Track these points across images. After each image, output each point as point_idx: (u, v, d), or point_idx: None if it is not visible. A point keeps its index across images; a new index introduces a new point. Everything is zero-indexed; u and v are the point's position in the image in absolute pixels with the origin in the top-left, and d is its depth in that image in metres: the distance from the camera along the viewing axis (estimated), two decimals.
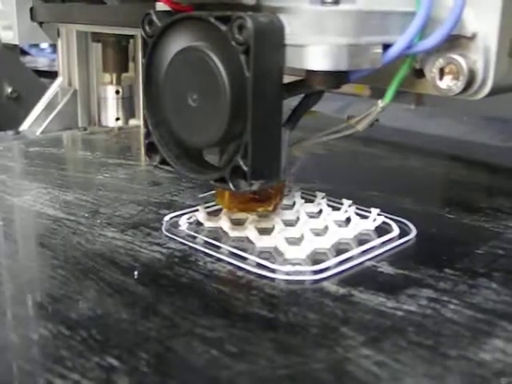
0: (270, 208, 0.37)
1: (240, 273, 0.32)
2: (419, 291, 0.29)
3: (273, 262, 0.32)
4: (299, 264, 0.32)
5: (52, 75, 0.82)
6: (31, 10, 0.65)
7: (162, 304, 0.28)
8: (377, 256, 0.34)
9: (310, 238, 0.34)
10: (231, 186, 0.30)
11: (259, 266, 0.32)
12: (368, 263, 0.33)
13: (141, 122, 0.74)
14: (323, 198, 0.41)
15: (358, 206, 0.39)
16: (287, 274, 0.31)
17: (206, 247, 0.34)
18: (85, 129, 0.71)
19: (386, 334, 0.26)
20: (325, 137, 0.36)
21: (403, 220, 0.38)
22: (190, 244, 0.35)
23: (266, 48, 0.28)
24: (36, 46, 1.49)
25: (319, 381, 0.23)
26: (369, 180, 0.50)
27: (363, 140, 0.59)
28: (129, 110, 0.76)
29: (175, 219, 0.39)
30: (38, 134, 0.69)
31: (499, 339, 0.25)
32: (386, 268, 0.32)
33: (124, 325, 0.27)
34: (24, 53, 1.37)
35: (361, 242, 0.35)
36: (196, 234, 0.36)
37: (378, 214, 0.38)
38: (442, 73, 0.30)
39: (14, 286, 0.31)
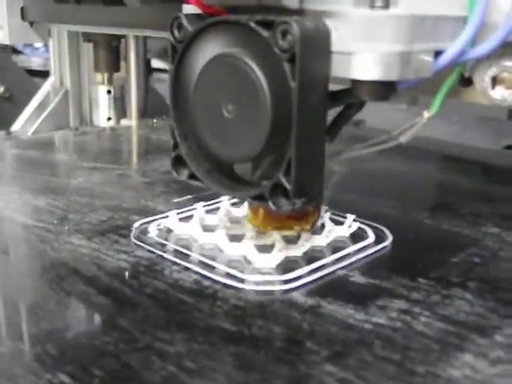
0: (308, 226, 0.35)
1: (207, 283, 0.31)
2: (390, 302, 0.28)
3: (242, 272, 0.31)
4: (269, 273, 0.31)
5: (46, 74, 0.81)
6: (22, 9, 0.64)
7: (123, 316, 0.27)
8: (350, 264, 0.33)
9: (282, 245, 0.33)
10: (271, 204, 0.28)
11: (228, 275, 0.31)
12: (340, 272, 0.32)
13: (133, 122, 0.74)
14: None
15: (333, 212, 0.38)
16: (256, 283, 0.30)
17: (174, 255, 0.33)
18: (76, 129, 0.70)
19: (351, 348, 0.25)
20: (364, 149, 0.34)
21: (380, 226, 0.37)
22: (158, 252, 0.34)
23: (312, 55, 0.26)
24: (29, 45, 1.47)
25: None
26: (348, 183, 0.49)
27: (347, 141, 0.58)
28: (120, 110, 0.75)
29: (145, 226, 0.38)
30: (29, 134, 0.68)
31: (469, 354, 0.24)
32: (358, 277, 0.31)
33: (81, 339, 0.26)
34: (17, 52, 1.36)
35: (334, 250, 0.34)
36: (165, 242, 0.35)
37: (354, 220, 0.37)
38: (494, 82, 0.29)
39: None
